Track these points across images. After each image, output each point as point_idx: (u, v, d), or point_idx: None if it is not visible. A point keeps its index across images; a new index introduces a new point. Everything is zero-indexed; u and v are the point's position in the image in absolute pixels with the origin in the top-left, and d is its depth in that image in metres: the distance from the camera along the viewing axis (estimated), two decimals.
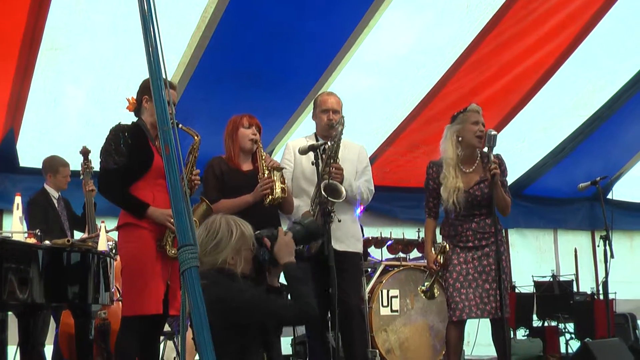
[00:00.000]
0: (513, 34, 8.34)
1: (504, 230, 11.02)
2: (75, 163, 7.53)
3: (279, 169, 5.65)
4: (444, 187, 5.77)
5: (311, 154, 5.55)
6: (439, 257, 5.81)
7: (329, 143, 5.72)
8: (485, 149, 5.69)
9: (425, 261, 6.30)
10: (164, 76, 2.91)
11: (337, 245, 5.63)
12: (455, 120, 5.84)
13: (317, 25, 7.53)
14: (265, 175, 5.56)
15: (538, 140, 10.34)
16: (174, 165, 2.71)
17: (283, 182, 5.61)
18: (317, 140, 5.95)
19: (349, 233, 5.93)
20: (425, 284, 6.19)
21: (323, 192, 5.38)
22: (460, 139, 5.77)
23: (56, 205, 7.39)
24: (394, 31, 7.95)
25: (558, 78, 9.19)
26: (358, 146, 6.22)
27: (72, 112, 7.95)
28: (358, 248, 6.05)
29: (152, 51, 2.89)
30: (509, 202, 5.81)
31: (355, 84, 8.25)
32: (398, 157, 9.63)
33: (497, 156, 5.74)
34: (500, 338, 5.66)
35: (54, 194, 7.41)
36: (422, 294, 6.29)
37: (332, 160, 5.69)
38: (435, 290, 6.23)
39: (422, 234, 8.85)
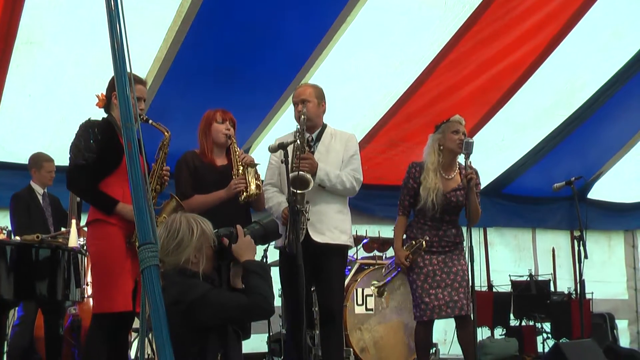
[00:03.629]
0: (492, 32, 8.35)
1: (482, 230, 11.10)
2: (55, 159, 7.58)
3: (253, 164, 5.69)
4: (423, 187, 6.02)
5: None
6: (411, 254, 6.01)
7: (297, 141, 5.68)
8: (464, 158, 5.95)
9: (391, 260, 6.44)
10: (129, 72, 2.90)
11: (317, 238, 5.66)
12: (438, 130, 6.16)
13: (294, 20, 7.52)
14: (240, 172, 5.60)
15: (517, 139, 10.34)
16: (136, 162, 2.73)
17: (258, 179, 5.67)
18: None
19: (331, 224, 5.77)
20: (374, 282, 6.35)
21: (291, 186, 5.33)
22: (441, 147, 6.07)
23: (40, 201, 7.43)
24: (372, 28, 7.95)
25: (537, 77, 9.18)
26: (347, 135, 6.10)
27: (48, 108, 7.91)
28: (342, 240, 5.83)
29: (118, 48, 2.89)
30: (479, 212, 6.07)
31: (333, 80, 8.24)
32: (377, 154, 9.63)
33: (475, 169, 6.00)
34: (466, 336, 5.88)
35: (39, 190, 7.48)
36: (376, 290, 6.45)
37: (299, 152, 5.61)
38: (386, 289, 6.45)
39: None
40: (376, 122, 9.31)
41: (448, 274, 5.96)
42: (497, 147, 10.24)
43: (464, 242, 6.08)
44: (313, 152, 5.74)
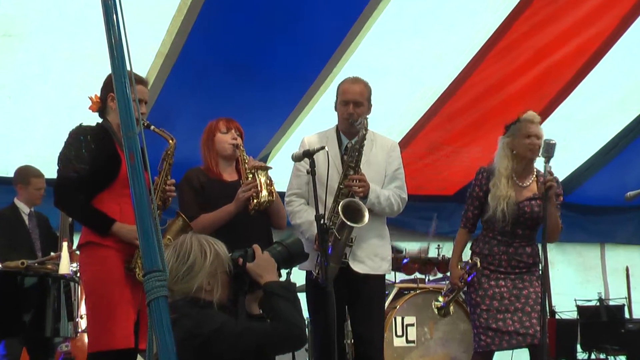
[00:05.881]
0: (549, 14, 8.29)
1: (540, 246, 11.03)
2: (41, 170, 7.59)
3: (265, 168, 5.68)
4: (493, 195, 5.97)
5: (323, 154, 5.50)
6: (466, 274, 5.97)
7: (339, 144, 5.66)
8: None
9: (448, 280, 6.38)
10: (130, 71, 2.89)
11: (357, 267, 5.68)
12: (508, 132, 6.09)
13: (319, 6, 7.54)
14: (249, 178, 5.58)
15: (581, 139, 10.29)
16: (139, 176, 2.72)
17: (270, 184, 5.63)
18: (338, 135, 5.94)
19: (371, 251, 5.80)
20: (440, 298, 6.28)
21: (342, 215, 5.36)
22: (513, 152, 6.00)
23: (26, 221, 7.46)
24: (408, 14, 7.93)
25: (604, 66, 9.13)
26: (389, 143, 6.14)
27: (32, 111, 7.95)
28: (383, 269, 5.91)
29: (115, 43, 2.88)
30: (559, 227, 5.99)
31: (365, 75, 8.21)
32: (416, 160, 9.60)
33: (555, 177, 5.90)
34: None
35: (25, 208, 7.51)
36: (436, 310, 6.37)
37: (352, 171, 5.63)
38: (451, 308, 6.33)
39: (443, 251, 8.84)
40: (415, 123, 9.31)
41: (518, 297, 5.89)
42: (558, 149, 10.09)
43: (540, 264, 5.97)
44: (353, 165, 5.68)
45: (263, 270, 3.57)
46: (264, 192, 5.56)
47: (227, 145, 5.76)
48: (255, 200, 5.53)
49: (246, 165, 5.66)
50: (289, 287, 3.61)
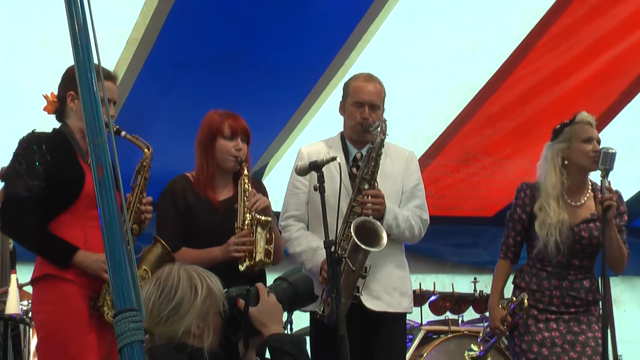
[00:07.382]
0: None
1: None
2: None
3: (266, 224, 5.55)
4: (541, 222, 5.91)
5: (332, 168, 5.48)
6: (509, 315, 5.93)
7: (359, 161, 5.69)
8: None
9: (487, 322, 6.38)
10: (98, 65, 2.90)
11: (371, 304, 5.69)
12: (558, 137, 6.03)
13: None
14: (245, 225, 5.51)
15: None
16: (110, 193, 2.74)
17: (269, 242, 5.55)
18: (344, 144, 5.95)
19: (389, 284, 5.81)
20: (474, 347, 6.27)
21: (355, 237, 5.36)
22: (566, 162, 5.93)
23: None
24: None
25: None
26: (405, 153, 6.14)
27: None
28: (403, 307, 5.91)
29: (79, 31, 2.90)
30: (625, 254, 5.92)
31: (385, 68, 8.25)
32: (447, 173, 9.63)
33: (617, 192, 5.92)
34: None
35: None
36: None
37: (367, 185, 5.64)
38: (489, 359, 6.31)
39: (480, 285, 8.84)
40: (445, 128, 9.32)
41: (573, 344, 5.82)
42: (624, 159, 10.13)
43: (600, 302, 5.93)
44: (368, 178, 5.69)
45: (268, 319, 3.57)
46: (260, 252, 5.47)
47: (229, 157, 5.65)
48: (247, 262, 5.45)
49: (246, 202, 5.55)
50: (299, 344, 3.60)
